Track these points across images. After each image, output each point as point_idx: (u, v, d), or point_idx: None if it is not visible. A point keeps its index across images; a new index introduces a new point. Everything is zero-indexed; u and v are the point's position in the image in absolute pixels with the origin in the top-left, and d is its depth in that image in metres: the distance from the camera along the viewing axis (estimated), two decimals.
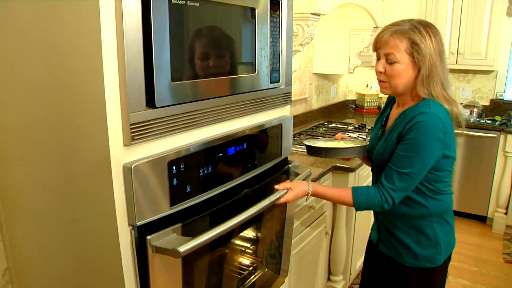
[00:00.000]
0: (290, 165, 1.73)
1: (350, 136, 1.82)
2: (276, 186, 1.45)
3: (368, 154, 1.67)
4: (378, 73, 1.45)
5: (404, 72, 1.39)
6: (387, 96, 1.66)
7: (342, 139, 1.77)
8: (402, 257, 1.55)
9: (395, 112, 1.56)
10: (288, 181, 1.51)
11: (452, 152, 1.42)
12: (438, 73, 1.38)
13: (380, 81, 1.48)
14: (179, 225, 1.15)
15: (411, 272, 1.55)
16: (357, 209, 1.49)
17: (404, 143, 1.39)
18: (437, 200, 1.47)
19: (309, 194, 1.50)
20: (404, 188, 1.41)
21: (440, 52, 1.39)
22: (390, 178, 1.42)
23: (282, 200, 1.43)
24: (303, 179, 1.59)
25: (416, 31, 1.37)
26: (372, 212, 1.70)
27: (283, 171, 1.69)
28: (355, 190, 1.48)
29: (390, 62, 1.40)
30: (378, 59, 1.46)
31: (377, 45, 1.44)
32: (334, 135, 1.86)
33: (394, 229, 1.55)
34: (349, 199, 1.47)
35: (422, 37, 1.36)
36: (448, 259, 1.57)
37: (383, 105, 2.39)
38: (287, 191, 1.45)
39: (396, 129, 1.45)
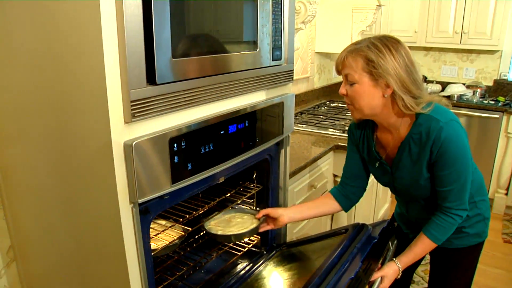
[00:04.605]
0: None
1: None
2: (371, 279, 1.38)
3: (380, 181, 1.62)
4: (343, 96, 1.40)
5: (366, 92, 1.33)
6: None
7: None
8: (451, 242, 1.52)
9: (386, 139, 1.48)
10: (379, 265, 1.43)
11: None
12: (411, 89, 1.30)
13: (347, 105, 1.43)
14: None
15: (461, 252, 1.56)
16: (441, 244, 1.43)
17: (441, 164, 1.34)
18: (472, 179, 1.43)
19: (400, 272, 1.44)
20: (466, 197, 1.38)
21: (406, 66, 1.29)
22: (450, 198, 1.38)
23: None
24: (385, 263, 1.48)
25: (372, 47, 1.30)
26: (375, 194, 1.65)
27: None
28: (428, 232, 1.42)
29: (350, 83, 1.35)
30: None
31: (338, 68, 1.40)
32: (335, 115, 1.80)
33: None
34: (431, 245, 1.42)
35: (379, 52, 1.29)
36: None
37: None
38: (381, 279, 1.40)
39: (414, 158, 1.39)
